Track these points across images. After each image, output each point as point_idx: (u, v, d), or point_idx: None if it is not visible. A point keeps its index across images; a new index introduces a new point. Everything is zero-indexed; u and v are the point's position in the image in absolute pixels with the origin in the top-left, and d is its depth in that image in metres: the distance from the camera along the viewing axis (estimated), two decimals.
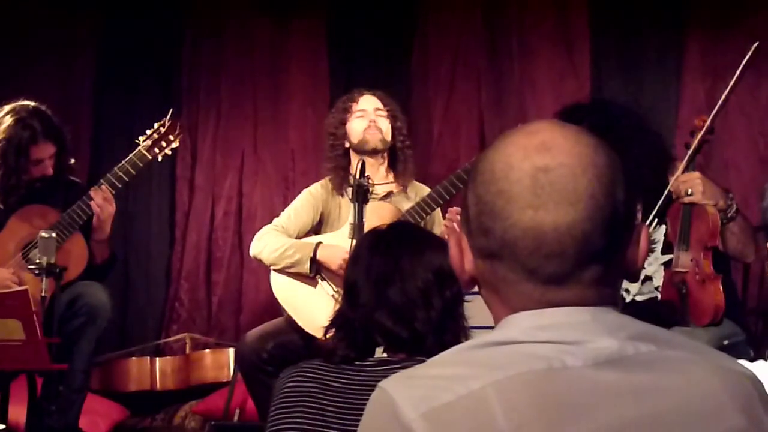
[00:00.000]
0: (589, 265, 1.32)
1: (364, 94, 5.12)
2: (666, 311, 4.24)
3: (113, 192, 4.88)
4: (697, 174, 4.24)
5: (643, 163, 4.27)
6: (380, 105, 5.08)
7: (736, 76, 4.32)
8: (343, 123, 5.07)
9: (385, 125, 5.06)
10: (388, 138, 5.06)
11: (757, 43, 4.31)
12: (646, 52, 6.09)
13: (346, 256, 4.75)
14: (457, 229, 4.54)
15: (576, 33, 6.26)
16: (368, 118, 5.03)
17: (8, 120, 4.87)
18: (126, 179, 4.91)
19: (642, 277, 4.36)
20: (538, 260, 1.31)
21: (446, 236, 4.83)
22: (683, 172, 4.28)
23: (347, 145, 5.06)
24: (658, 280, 4.34)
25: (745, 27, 5.86)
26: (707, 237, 4.22)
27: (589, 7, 6.27)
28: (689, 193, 4.20)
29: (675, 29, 6.13)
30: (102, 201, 4.82)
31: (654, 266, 4.37)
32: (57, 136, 4.95)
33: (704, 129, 4.27)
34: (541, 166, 1.32)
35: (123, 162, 4.92)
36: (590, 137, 1.37)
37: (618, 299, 1.38)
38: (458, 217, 4.72)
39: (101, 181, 4.88)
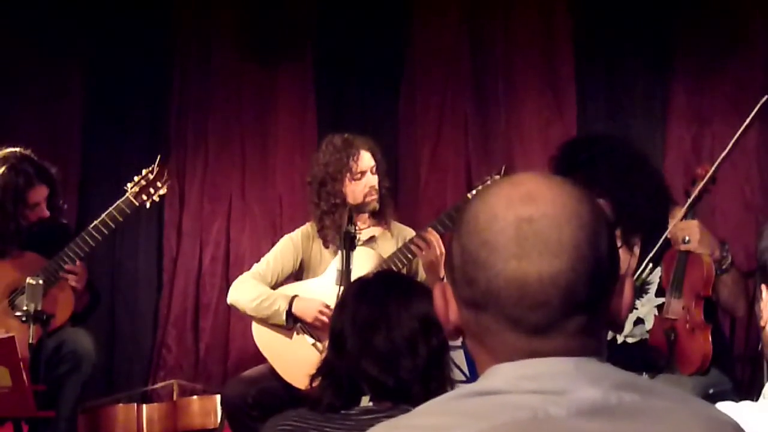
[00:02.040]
0: (573, 315, 1.32)
1: (360, 149, 5.01)
2: (654, 356, 4.24)
3: (93, 245, 4.88)
4: (695, 222, 4.26)
5: (641, 192, 4.31)
6: (373, 162, 5.03)
7: (742, 128, 4.35)
8: (341, 179, 4.97)
9: (377, 182, 5.06)
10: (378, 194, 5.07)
11: (766, 97, 4.32)
12: (632, 96, 6.12)
13: (322, 308, 4.79)
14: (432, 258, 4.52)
15: (562, 78, 6.29)
16: (369, 183, 4.99)
17: (1, 168, 4.89)
18: (113, 226, 4.93)
19: (634, 318, 4.38)
20: (523, 311, 1.31)
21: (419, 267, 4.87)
22: (682, 220, 4.30)
23: (340, 199, 4.99)
24: (650, 323, 4.35)
25: (729, 72, 5.89)
26: (701, 286, 4.22)
27: (575, 52, 6.29)
28: (686, 240, 4.22)
29: (661, 73, 6.15)
30: (81, 274, 4.85)
31: (647, 308, 4.39)
32: (49, 178, 4.98)
33: (706, 179, 4.29)
34: (525, 217, 1.32)
35: (110, 209, 4.93)
36: (575, 188, 1.38)
37: (603, 349, 1.38)
38: (422, 242, 4.76)
39: (89, 227, 4.88)
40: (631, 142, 4.80)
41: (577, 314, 1.32)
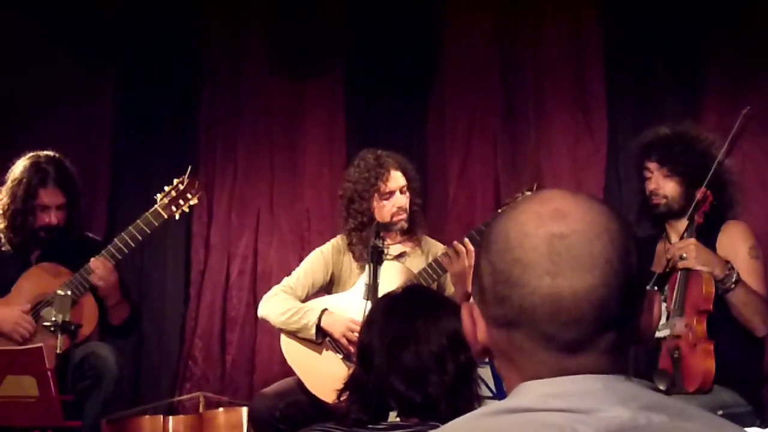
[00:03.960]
0: (605, 331, 1.33)
1: (390, 169, 5.03)
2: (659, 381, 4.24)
3: (120, 257, 4.88)
4: (691, 240, 4.34)
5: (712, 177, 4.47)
6: (405, 182, 5.05)
7: (726, 144, 4.43)
8: (369, 198, 5.01)
9: (407, 201, 5.06)
10: (408, 212, 5.07)
11: (748, 107, 4.39)
12: (663, 113, 6.08)
13: (350, 324, 4.80)
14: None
15: (591, 96, 6.27)
16: (397, 204, 5.01)
17: (24, 163, 4.94)
18: (140, 238, 4.93)
19: None
20: (557, 327, 1.31)
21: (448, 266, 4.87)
22: (680, 239, 4.37)
23: (367, 218, 5.02)
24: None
25: (762, 90, 5.87)
26: (701, 301, 4.27)
27: (605, 70, 6.28)
28: (683, 257, 4.26)
29: (692, 90, 6.13)
30: (103, 273, 4.83)
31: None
32: (69, 187, 4.99)
33: (706, 202, 4.37)
34: (557, 233, 1.33)
35: (138, 220, 4.94)
36: (602, 204, 1.38)
37: (630, 366, 1.38)
38: (453, 253, 4.78)
39: (117, 239, 4.90)
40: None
41: (608, 331, 1.33)
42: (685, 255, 4.31)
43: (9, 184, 4.94)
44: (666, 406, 1.31)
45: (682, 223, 4.53)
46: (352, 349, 4.71)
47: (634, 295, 1.35)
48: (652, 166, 4.65)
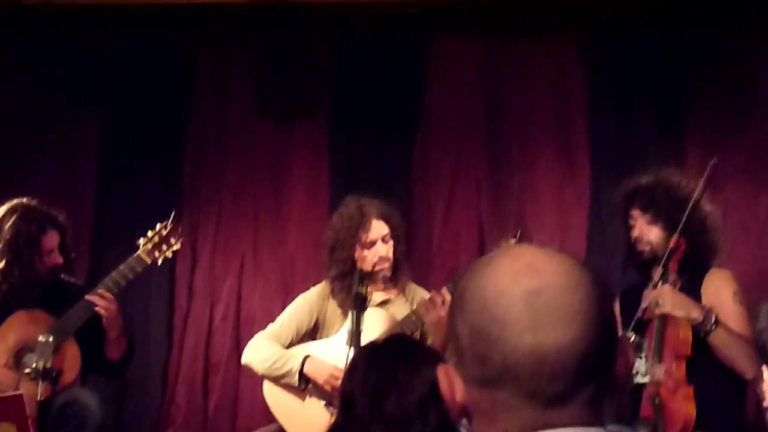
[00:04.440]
0: (587, 383, 1.33)
1: (372, 219, 5.03)
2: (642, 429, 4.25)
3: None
4: (667, 287, 4.40)
5: (695, 224, 4.56)
6: (387, 230, 5.05)
7: (696, 193, 4.48)
8: (350, 247, 5.01)
9: (390, 249, 5.05)
10: (391, 260, 5.06)
11: (714, 159, 4.46)
12: (647, 160, 6.10)
13: (333, 371, 4.80)
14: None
15: (575, 140, 6.31)
16: (378, 253, 5.00)
17: (11, 218, 4.89)
18: (123, 284, 4.91)
19: None
20: (541, 382, 1.32)
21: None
22: (653, 288, 4.41)
23: (348, 267, 5.01)
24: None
25: (744, 139, 5.91)
26: (678, 346, 4.31)
27: (588, 114, 6.32)
28: (659, 303, 4.29)
29: (675, 136, 6.17)
30: (104, 303, 4.81)
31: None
32: (59, 225, 4.99)
33: (679, 249, 4.41)
34: (533, 289, 1.33)
35: (121, 266, 4.92)
36: (571, 257, 1.39)
37: (604, 417, 1.37)
38: (429, 303, 4.79)
39: (99, 286, 4.88)
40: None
41: (590, 382, 1.34)
42: (660, 301, 4.34)
43: (3, 242, 4.89)
44: None
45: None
46: (335, 395, 4.70)
47: (611, 344, 1.37)
48: (636, 213, 4.68)
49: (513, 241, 4.86)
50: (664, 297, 4.35)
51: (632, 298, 4.59)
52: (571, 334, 1.31)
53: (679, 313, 4.33)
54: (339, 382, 4.49)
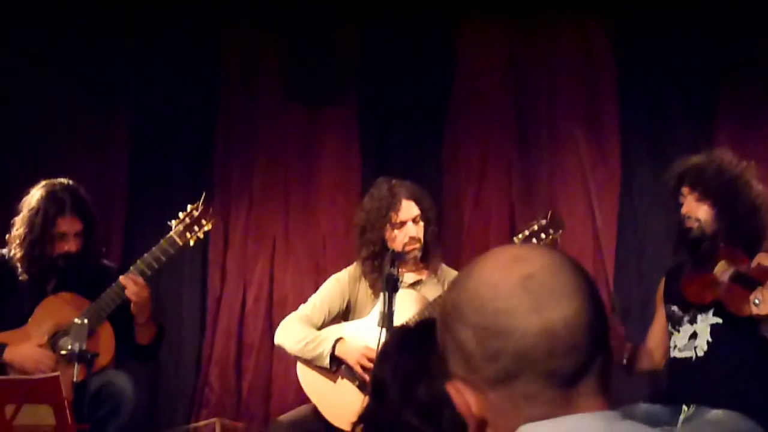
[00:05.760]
0: (597, 355, 1.36)
1: (402, 199, 5.04)
2: None
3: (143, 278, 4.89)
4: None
5: (743, 204, 4.54)
6: (417, 212, 5.05)
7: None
8: (381, 227, 5.03)
9: (421, 230, 5.06)
10: (422, 241, 5.08)
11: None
12: (677, 139, 6.09)
13: (365, 351, 4.80)
14: None
15: (605, 123, 6.30)
16: (409, 233, 5.01)
17: (40, 192, 4.94)
18: (156, 266, 4.92)
19: (690, 332, 4.52)
20: (557, 360, 1.34)
21: None
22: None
23: (379, 247, 5.03)
24: (703, 339, 4.45)
25: None
26: None
27: (619, 96, 6.30)
28: (756, 303, 4.23)
29: (705, 116, 6.15)
30: (135, 288, 4.83)
31: (704, 324, 4.49)
32: (85, 214, 4.99)
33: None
34: (526, 274, 1.37)
35: (154, 248, 4.93)
36: (547, 246, 1.43)
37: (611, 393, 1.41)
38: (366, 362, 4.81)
39: (131, 268, 4.90)
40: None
41: (599, 353, 1.37)
42: (758, 300, 4.26)
43: (25, 213, 4.93)
44: None
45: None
46: (367, 376, 4.72)
47: (605, 316, 1.41)
48: (686, 190, 4.66)
49: (544, 222, 4.85)
50: (763, 297, 4.28)
51: (679, 276, 4.61)
52: (575, 306, 1.35)
53: None
54: (370, 363, 4.53)
